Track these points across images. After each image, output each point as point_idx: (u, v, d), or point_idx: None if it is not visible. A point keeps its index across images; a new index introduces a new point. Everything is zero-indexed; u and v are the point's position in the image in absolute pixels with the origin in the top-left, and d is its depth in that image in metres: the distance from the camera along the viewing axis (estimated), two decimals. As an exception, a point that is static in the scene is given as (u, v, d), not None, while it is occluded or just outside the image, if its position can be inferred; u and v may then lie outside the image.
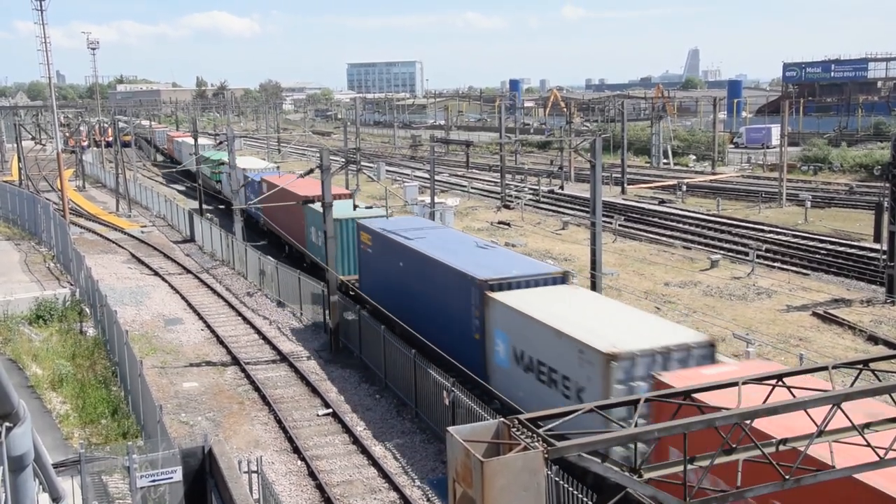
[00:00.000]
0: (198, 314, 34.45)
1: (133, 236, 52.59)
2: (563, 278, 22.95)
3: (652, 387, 15.45)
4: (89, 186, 79.94)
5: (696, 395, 7.63)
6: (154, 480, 14.94)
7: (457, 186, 74.22)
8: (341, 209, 34.01)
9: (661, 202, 61.97)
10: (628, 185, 69.08)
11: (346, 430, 22.51)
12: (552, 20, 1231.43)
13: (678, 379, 14.86)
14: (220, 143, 63.87)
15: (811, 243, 44.77)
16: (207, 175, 66.49)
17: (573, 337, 17.60)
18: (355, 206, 36.69)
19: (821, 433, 7.16)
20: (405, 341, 23.90)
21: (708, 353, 17.24)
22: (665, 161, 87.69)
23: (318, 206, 33.49)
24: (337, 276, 29.88)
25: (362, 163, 57.43)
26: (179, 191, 77.01)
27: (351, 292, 31.54)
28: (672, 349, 16.95)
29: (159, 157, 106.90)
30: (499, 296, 21.02)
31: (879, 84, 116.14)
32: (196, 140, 61.50)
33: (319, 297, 32.14)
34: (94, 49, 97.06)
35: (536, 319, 19.04)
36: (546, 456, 6.13)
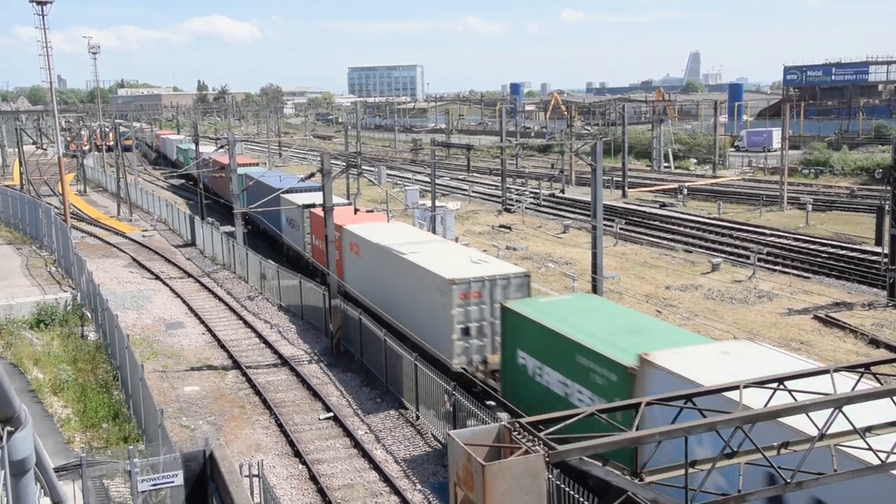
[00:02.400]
0: (199, 318, 34.46)
1: (134, 240, 52.61)
2: (321, 189, 41.60)
3: (309, 215, 38.33)
4: (90, 190, 79.99)
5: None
6: (155, 484, 14.94)
7: (458, 190, 74.27)
8: (253, 172, 56.87)
9: (662, 206, 61.98)
10: (629, 188, 69.09)
11: (348, 433, 22.50)
12: (551, 25, 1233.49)
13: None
14: (221, 146, 64.12)
15: (812, 247, 44.75)
16: (182, 159, 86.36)
17: (292, 200, 40.72)
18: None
19: (822, 437, 7.15)
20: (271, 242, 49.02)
21: (350, 206, 38.73)
22: (666, 164, 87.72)
23: (241, 171, 53.89)
24: (241, 209, 44.02)
25: (363, 167, 57.54)
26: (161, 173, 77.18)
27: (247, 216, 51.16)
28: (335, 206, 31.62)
29: (153, 154, 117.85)
30: (284, 195, 42.66)
31: (880, 87, 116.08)
32: (197, 144, 61.57)
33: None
34: (95, 53, 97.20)
35: (289, 200, 41.59)
36: (547, 459, 6.13)
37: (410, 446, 21.71)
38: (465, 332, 23.23)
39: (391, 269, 27.95)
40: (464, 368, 23.24)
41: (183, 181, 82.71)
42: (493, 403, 21.19)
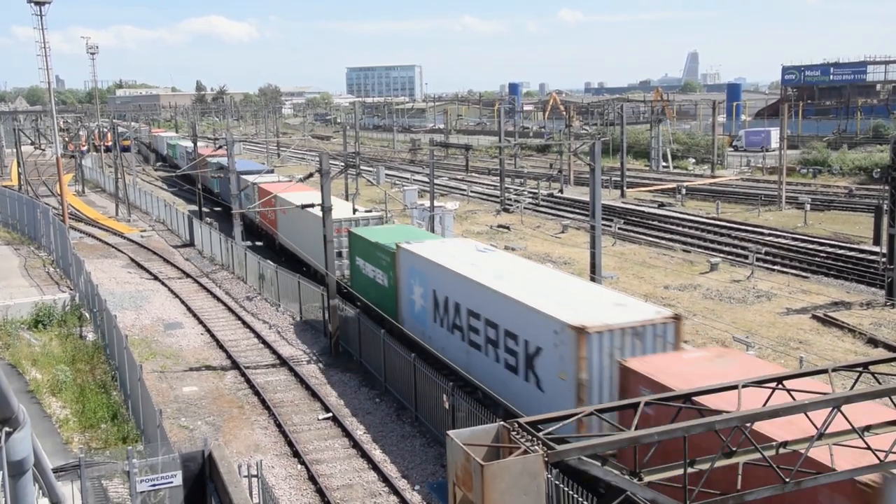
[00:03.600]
0: (197, 318, 34.44)
1: (132, 241, 52.58)
2: (271, 171, 53.70)
3: (258, 189, 48.77)
4: (89, 191, 79.93)
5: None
6: (154, 485, 14.93)
7: (456, 190, 74.26)
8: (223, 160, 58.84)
9: (661, 205, 62.00)
10: (628, 188, 69.11)
11: (346, 433, 22.50)
12: (549, 25, 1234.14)
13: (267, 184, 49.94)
14: (220, 147, 64.28)
15: (811, 246, 44.78)
16: (171, 154, 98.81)
17: (247, 180, 49.40)
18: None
19: (821, 436, 7.16)
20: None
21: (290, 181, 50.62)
22: (664, 164, 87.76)
23: (212, 160, 62.72)
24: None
25: (362, 167, 57.65)
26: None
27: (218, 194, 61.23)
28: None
29: (149, 153, 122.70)
30: (243, 176, 49.15)
31: (878, 87, 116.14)
32: (195, 144, 61.60)
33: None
34: (93, 54, 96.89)
35: (245, 180, 49.82)
36: (546, 459, 6.13)
37: (409, 446, 21.71)
38: (339, 255, 34.81)
39: (300, 220, 39.42)
40: (338, 280, 34.11)
41: (171, 173, 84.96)
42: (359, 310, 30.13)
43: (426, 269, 25.23)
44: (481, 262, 24.35)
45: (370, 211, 42.23)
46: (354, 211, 38.36)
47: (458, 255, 25.39)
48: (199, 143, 66.97)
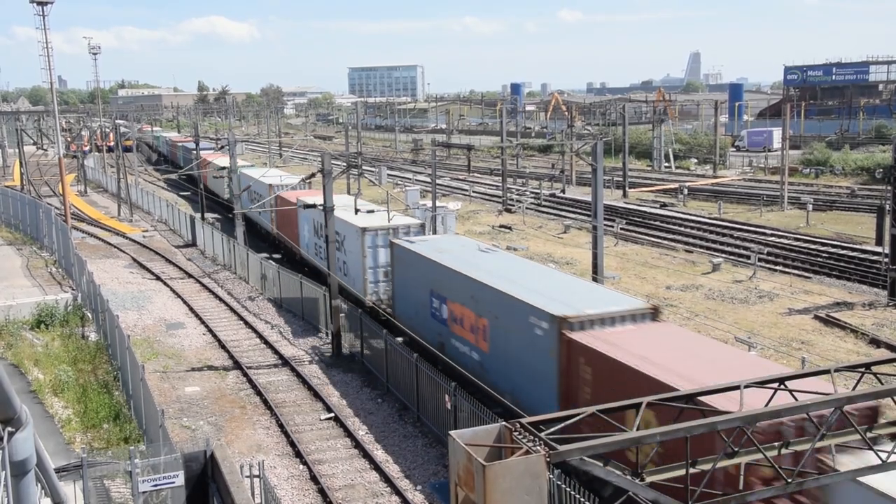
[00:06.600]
0: (199, 319, 34.45)
1: (135, 241, 52.61)
2: (214, 145, 71.00)
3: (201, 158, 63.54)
4: (91, 191, 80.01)
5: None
6: (156, 485, 14.94)
7: (458, 190, 74.22)
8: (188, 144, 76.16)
9: (663, 206, 61.95)
10: (630, 188, 69.08)
11: (348, 434, 22.50)
12: (549, 25, 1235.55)
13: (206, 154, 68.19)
14: (222, 147, 64.49)
15: (813, 246, 44.73)
16: (157, 144, 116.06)
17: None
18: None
19: (823, 436, 7.16)
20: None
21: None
22: (666, 164, 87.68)
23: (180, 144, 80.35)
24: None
25: (364, 167, 57.68)
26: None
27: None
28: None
29: (140, 143, 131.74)
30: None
31: (881, 87, 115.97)
32: (197, 145, 61.65)
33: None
34: (95, 54, 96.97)
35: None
36: (548, 460, 6.13)
37: (411, 446, 21.72)
38: (242, 192, 48.93)
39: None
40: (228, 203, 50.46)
41: (173, 173, 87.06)
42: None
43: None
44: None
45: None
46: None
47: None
48: (177, 136, 70.14)
